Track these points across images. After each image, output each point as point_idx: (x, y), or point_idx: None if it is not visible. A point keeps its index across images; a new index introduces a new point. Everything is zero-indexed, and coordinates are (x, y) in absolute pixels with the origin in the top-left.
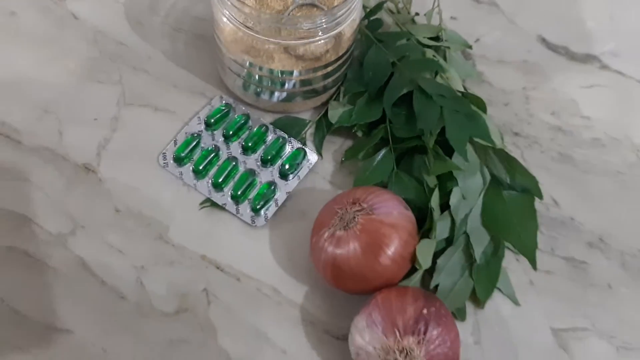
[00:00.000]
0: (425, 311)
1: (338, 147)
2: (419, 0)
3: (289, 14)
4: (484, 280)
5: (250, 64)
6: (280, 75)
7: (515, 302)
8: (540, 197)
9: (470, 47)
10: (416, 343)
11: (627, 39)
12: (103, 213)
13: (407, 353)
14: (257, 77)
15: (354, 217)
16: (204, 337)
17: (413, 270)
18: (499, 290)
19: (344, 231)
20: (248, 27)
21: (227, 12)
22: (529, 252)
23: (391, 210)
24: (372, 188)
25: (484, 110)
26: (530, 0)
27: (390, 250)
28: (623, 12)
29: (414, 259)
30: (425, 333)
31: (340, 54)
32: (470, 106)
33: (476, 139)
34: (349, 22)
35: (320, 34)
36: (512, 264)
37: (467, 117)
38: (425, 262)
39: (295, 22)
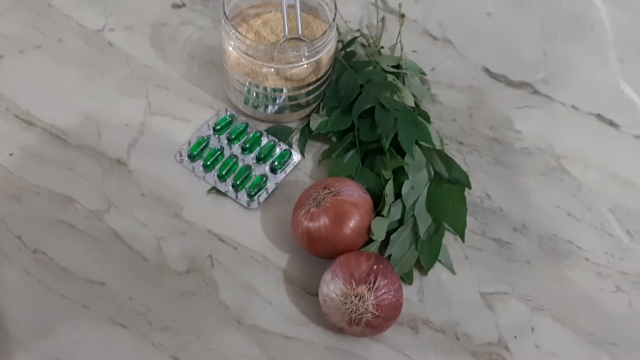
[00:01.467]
0: (375, 267)
1: (317, 150)
2: (387, 36)
3: (280, 45)
4: (427, 253)
5: (250, 83)
6: (273, 92)
7: (452, 271)
8: (469, 187)
9: (424, 74)
10: (367, 290)
11: (555, 69)
12: (131, 196)
13: (360, 297)
14: (254, 93)
15: (324, 198)
16: (208, 290)
17: (370, 241)
18: (440, 261)
19: (317, 208)
20: (248, 55)
21: (233, 43)
22: (460, 229)
23: (353, 193)
24: (340, 178)
25: (428, 120)
26: (478, 38)
27: (352, 223)
28: (554, 48)
29: (370, 231)
30: (374, 283)
31: (319, 76)
32: (418, 117)
33: (422, 142)
34: (326, 51)
35: (304, 60)
36: (452, 242)
37: (415, 125)
38: (378, 234)
39: (285, 51)
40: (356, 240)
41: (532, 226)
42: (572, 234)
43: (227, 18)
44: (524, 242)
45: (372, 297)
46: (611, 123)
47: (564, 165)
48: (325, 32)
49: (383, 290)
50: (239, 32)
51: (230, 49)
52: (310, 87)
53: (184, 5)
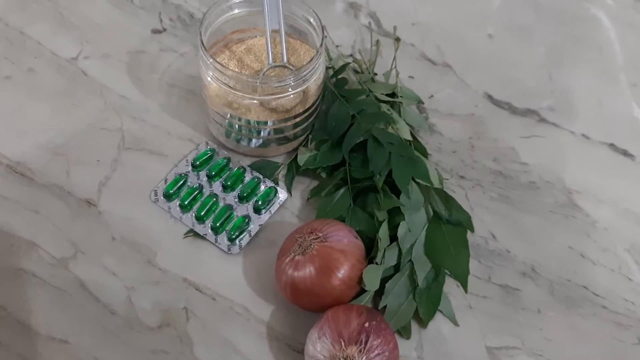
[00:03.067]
0: (367, 324)
1: (305, 187)
2: (382, 61)
3: (264, 74)
4: (426, 303)
5: (231, 115)
6: (256, 125)
7: (455, 323)
8: (472, 230)
9: (422, 102)
10: (358, 351)
11: (562, 96)
12: (101, 240)
13: None
14: (236, 126)
15: (311, 244)
16: (182, 348)
17: (362, 291)
18: (441, 312)
19: (302, 256)
20: (229, 86)
21: (211, 73)
22: (462, 277)
23: (342, 239)
24: (328, 220)
25: (425, 155)
26: (479, 63)
27: (340, 273)
28: (560, 73)
29: (361, 281)
30: (366, 343)
31: (307, 106)
32: (414, 152)
33: (419, 180)
34: (314, 80)
35: (289, 90)
36: (454, 289)
37: (411, 161)
38: (371, 285)
39: (268, 81)
40: (346, 292)
41: (542, 270)
42: (586, 278)
43: (204, 47)
44: (534, 289)
45: None
46: (625, 153)
47: (576, 200)
48: (312, 59)
49: (376, 352)
50: (217, 61)
51: (209, 79)
52: (298, 119)
53: (164, 30)
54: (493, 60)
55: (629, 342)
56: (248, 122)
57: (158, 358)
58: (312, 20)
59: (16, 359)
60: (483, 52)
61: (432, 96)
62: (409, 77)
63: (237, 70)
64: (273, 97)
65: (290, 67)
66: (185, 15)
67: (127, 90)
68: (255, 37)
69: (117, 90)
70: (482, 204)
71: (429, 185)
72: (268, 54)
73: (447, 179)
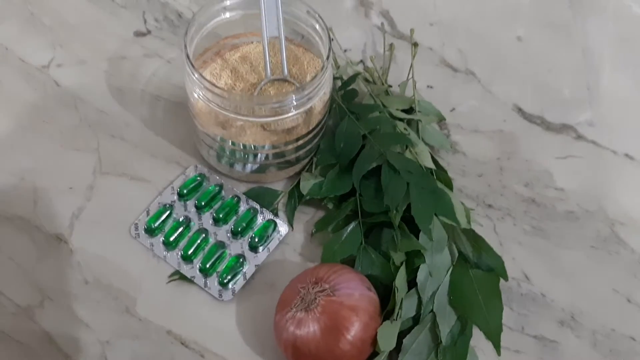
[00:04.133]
0: None
1: (309, 218)
2: (397, 68)
3: (260, 89)
4: None
5: (222, 138)
6: (252, 149)
7: None
8: (506, 278)
9: (444, 119)
10: None
11: (603, 108)
12: (72, 284)
13: None
14: (229, 150)
15: (315, 298)
16: None
17: (376, 354)
18: None
19: (305, 312)
20: (219, 106)
21: (199, 91)
22: (494, 336)
23: (353, 292)
24: (336, 267)
25: (450, 187)
26: (507, 69)
27: (350, 335)
28: (600, 82)
29: (375, 342)
30: None
31: (311, 127)
32: (436, 183)
33: (442, 218)
34: (319, 97)
35: (292, 110)
36: (482, 342)
37: (433, 194)
38: (386, 345)
39: (266, 102)
40: (357, 356)
41: (583, 318)
42: (634, 327)
43: (189, 59)
44: (574, 340)
45: None
46: None
47: (620, 233)
48: (316, 75)
49: None
50: (204, 78)
51: (196, 96)
52: (300, 142)
53: (148, 32)
54: (523, 67)
55: None
56: (243, 145)
57: None
58: (317, 26)
59: None
60: (512, 56)
61: (454, 109)
62: (428, 86)
63: (230, 82)
64: (272, 119)
65: (292, 80)
66: (172, 14)
67: (106, 103)
68: (252, 42)
69: (94, 103)
70: (513, 238)
71: (455, 224)
72: (266, 66)
73: (473, 209)
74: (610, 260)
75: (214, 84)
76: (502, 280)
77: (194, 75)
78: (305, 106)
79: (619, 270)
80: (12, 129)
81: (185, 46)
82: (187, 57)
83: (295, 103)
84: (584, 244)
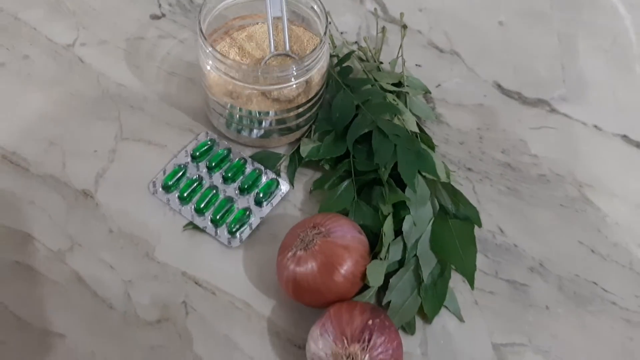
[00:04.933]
0: (370, 322)
1: (308, 179)
2: (388, 49)
3: (265, 63)
4: (431, 299)
5: (231, 105)
6: (257, 115)
7: (460, 319)
8: (480, 225)
9: (429, 92)
10: (361, 349)
11: (575, 86)
12: (98, 233)
13: (352, 358)
14: (237, 116)
15: (313, 239)
16: (181, 344)
17: (366, 287)
18: (446, 308)
19: (304, 251)
20: (229, 75)
21: (211, 62)
22: (468, 273)
23: (345, 234)
24: (331, 214)
25: (432, 148)
26: (489, 51)
27: (343, 269)
28: (573, 63)
29: (365, 277)
30: (369, 341)
31: (310, 96)
32: (420, 144)
33: (425, 174)
34: (317, 69)
35: (292, 80)
36: (460, 284)
37: (417, 154)
38: (375, 280)
39: (270, 71)
40: (349, 289)
41: (551, 266)
42: (596, 274)
43: (203, 35)
44: (542, 285)
45: (366, 358)
46: (639, 145)
47: (587, 194)
48: (315, 48)
49: (379, 350)
50: (217, 50)
51: (209, 68)
52: (300, 110)
53: (163, 16)
54: (503, 49)
55: (638, 340)
56: (249, 112)
57: (157, 354)
58: (315, 7)
59: (12, 354)
60: (493, 40)
61: (439, 85)
62: (416, 65)
63: (237, 58)
64: (275, 87)
65: (293, 55)
66: (184, 0)
67: (125, 78)
68: (257, 23)
69: (115, 78)
70: (490, 198)
71: (435, 179)
72: (270, 42)
73: (454, 172)
74: (577, 217)
75: (225, 56)
76: (479, 232)
77: (208, 48)
78: (305, 76)
79: (584, 226)
80: (42, 100)
81: (200, 22)
82: (201, 32)
83: (295, 73)
84: (554, 203)
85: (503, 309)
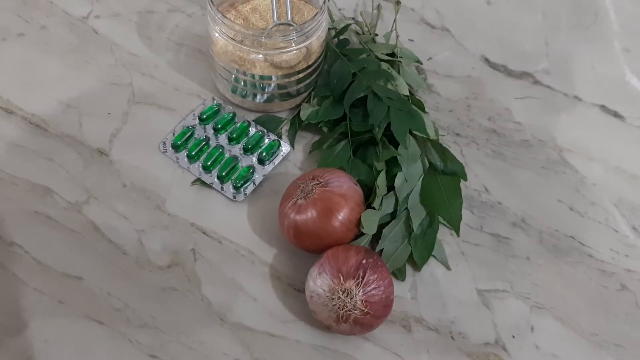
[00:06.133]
0: (364, 261)
1: (308, 141)
2: (383, 25)
3: (268, 31)
4: (420, 248)
5: (237, 70)
6: (261, 80)
7: (447, 267)
8: (465, 179)
9: (420, 62)
10: (355, 285)
11: (558, 60)
12: (112, 187)
13: (348, 293)
14: (242, 82)
15: (312, 189)
16: (190, 286)
17: (361, 234)
18: (434, 257)
19: (304, 200)
20: (235, 41)
21: (219, 29)
22: (455, 223)
23: (342, 184)
24: (329, 168)
25: (423, 109)
26: (477, 27)
27: (341, 215)
28: (556, 38)
29: (360, 224)
30: (363, 278)
31: (310, 63)
32: (412, 106)
33: (416, 132)
34: (316, 36)
35: (293, 45)
36: (447, 237)
37: (408, 115)
38: (369, 228)
39: (273, 36)
40: (346, 234)
41: (532, 221)
42: (574, 229)
43: (212, 3)
44: (524, 238)
45: (360, 293)
46: (616, 114)
47: (567, 158)
48: (315, 15)
49: (372, 286)
50: (225, 16)
51: (217, 35)
52: (301, 75)
53: None
54: (491, 25)
55: (612, 289)
56: (253, 77)
57: (167, 294)
58: None
59: (34, 293)
60: (482, 17)
61: (430, 58)
62: (409, 39)
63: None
64: (277, 52)
65: (295, 24)
66: None
67: (137, 48)
68: None
69: (127, 47)
70: (477, 160)
71: (425, 137)
72: (273, 12)
73: (443, 135)
74: (557, 178)
75: (232, 21)
76: (466, 190)
77: (216, 15)
78: (305, 42)
79: (564, 186)
80: (59, 67)
81: None
82: (211, 0)
83: (296, 38)
84: (536, 165)
85: (487, 258)
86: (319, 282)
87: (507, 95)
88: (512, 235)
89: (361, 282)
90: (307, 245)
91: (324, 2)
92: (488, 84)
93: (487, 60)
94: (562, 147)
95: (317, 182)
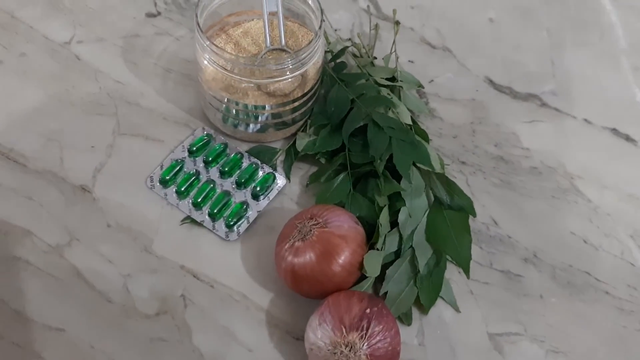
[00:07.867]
0: (368, 310)
1: (304, 172)
2: (381, 45)
3: (261, 57)
4: (427, 289)
5: (228, 99)
6: (254, 110)
7: (456, 309)
8: (474, 215)
9: (422, 86)
10: (359, 338)
11: (564, 80)
12: (96, 227)
13: (351, 347)
14: (234, 111)
15: (310, 230)
16: (180, 336)
17: (364, 277)
18: (442, 298)
19: (302, 242)
20: (226, 69)
21: (208, 56)
22: (464, 263)
23: (342, 224)
24: (328, 206)
25: (427, 139)
26: (480, 47)
27: (341, 259)
28: (562, 57)
29: (362, 267)
30: (367, 329)
31: (305, 90)
32: (415, 136)
33: (420, 165)
34: (312, 63)
35: (287, 73)
36: (455, 275)
37: (411, 146)
38: (372, 270)
39: (266, 64)
40: (347, 278)
41: (544, 256)
42: (589, 264)
43: (200, 29)
44: (536, 275)
45: (365, 347)
46: (628, 138)
47: (578, 186)
48: (310, 41)
49: (378, 338)
50: (214, 44)
51: (206, 62)
52: (296, 104)
53: (159, 14)
54: (494, 45)
55: (632, 328)
56: (245, 106)
57: (156, 346)
58: (310, 2)
59: (11, 348)
60: (484, 36)
61: (432, 81)
62: (409, 61)
63: (234, 53)
64: (271, 80)
65: (289, 50)
66: None
67: (122, 74)
68: (252, 20)
69: (112, 74)
70: (484, 190)
71: (430, 170)
72: (266, 36)
73: (448, 165)
74: (568, 208)
75: (222, 49)
76: (473, 224)
77: (205, 42)
78: (300, 70)
79: (576, 216)
80: (39, 96)
81: (197, 15)
82: (198, 25)
83: (291, 66)
84: (546, 194)
85: (498, 298)
86: (319, 333)
87: (514, 119)
88: (523, 271)
89: (365, 334)
90: (305, 291)
91: (320, 27)
92: (493, 107)
93: (491, 81)
94: (573, 174)
95: (316, 222)
